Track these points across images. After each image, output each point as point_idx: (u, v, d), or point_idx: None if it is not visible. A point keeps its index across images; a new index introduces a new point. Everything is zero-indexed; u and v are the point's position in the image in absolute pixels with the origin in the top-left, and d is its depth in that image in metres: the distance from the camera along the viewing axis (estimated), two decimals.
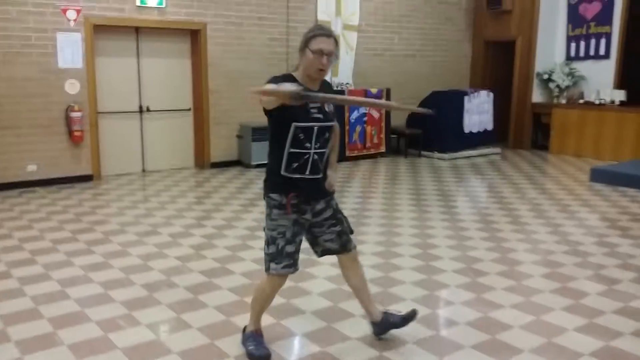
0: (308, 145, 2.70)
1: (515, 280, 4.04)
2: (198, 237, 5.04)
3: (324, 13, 9.16)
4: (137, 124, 8.05)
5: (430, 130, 9.49)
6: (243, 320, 3.35)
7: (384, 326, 3.11)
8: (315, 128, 2.70)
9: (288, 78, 2.66)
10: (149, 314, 3.47)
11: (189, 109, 8.45)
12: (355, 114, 9.15)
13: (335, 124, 2.84)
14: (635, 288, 3.90)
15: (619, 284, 3.98)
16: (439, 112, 9.47)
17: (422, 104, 9.92)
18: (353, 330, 3.26)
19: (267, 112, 2.65)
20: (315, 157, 2.74)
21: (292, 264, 2.81)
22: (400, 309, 3.50)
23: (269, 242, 2.80)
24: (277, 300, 3.65)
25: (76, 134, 7.23)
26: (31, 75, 6.96)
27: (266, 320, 3.37)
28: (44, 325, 3.30)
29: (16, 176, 6.97)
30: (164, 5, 7.71)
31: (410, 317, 3.11)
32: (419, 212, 5.95)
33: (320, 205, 2.86)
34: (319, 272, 4.19)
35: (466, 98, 9.70)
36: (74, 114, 7.18)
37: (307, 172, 2.74)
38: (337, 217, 2.94)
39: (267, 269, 2.82)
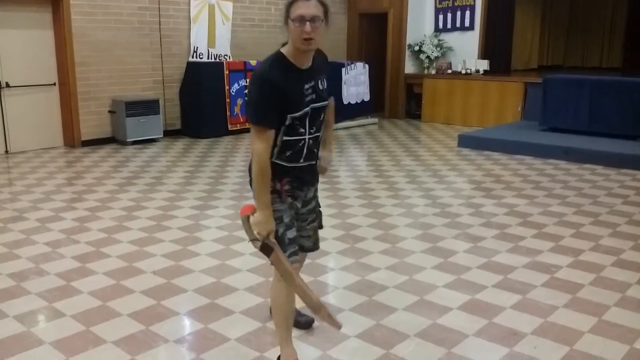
0: (302, 130, 2.42)
1: (391, 244, 4.25)
2: (69, 220, 4.76)
3: None
4: None
5: None
6: (120, 304, 3.25)
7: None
8: (309, 110, 2.40)
9: (277, 61, 2.35)
10: (17, 305, 3.25)
11: (54, 84, 7.87)
12: (235, 86, 9.03)
13: (330, 101, 2.56)
14: (497, 244, 4.25)
15: (483, 241, 4.31)
16: None
17: None
18: (237, 304, 3.27)
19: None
20: (311, 142, 2.47)
21: (297, 251, 2.53)
22: None
23: None
24: (157, 280, 3.58)
25: None
26: None
27: (145, 302, 3.29)
28: None
29: None
30: None
31: (304, 324, 2.98)
32: None
33: (310, 194, 2.64)
34: (202, 249, 4.14)
35: (343, 70, 9.90)
36: None
37: (302, 160, 2.48)
38: (317, 211, 2.73)
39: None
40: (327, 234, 4.43)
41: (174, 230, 4.54)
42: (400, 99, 11.16)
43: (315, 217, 2.72)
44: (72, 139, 7.93)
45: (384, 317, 3.11)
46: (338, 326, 2.54)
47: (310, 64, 2.42)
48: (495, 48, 10.66)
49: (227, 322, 3.04)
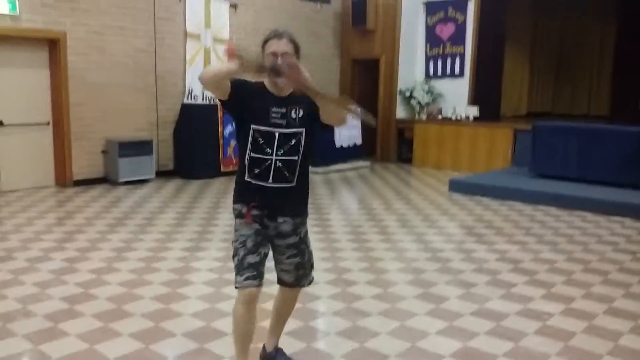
0: (269, 151, 2.57)
1: (383, 288, 4.23)
2: (58, 260, 4.71)
3: (193, 25, 9.03)
4: None
5: None
6: (107, 348, 3.20)
7: (269, 358, 3.01)
8: (277, 134, 2.58)
9: (257, 83, 2.62)
10: (2, 348, 3.18)
11: (48, 123, 7.89)
12: (229, 128, 9.09)
13: (303, 130, 2.62)
14: (490, 290, 4.24)
15: (475, 287, 4.30)
16: None
17: None
18: (226, 350, 3.22)
19: (224, 106, 2.61)
20: (279, 164, 2.59)
21: (256, 275, 2.58)
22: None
23: (233, 254, 2.64)
24: (146, 323, 3.53)
25: None
26: None
27: (133, 346, 3.24)
28: None
29: None
30: (17, 13, 7.17)
31: None
32: None
33: (286, 227, 2.69)
34: (192, 292, 4.10)
35: None
36: None
37: (270, 180, 2.60)
38: (300, 247, 2.77)
39: (235, 284, 2.63)
40: (319, 278, 4.40)
41: (163, 272, 4.49)
42: (392, 143, 11.28)
43: (297, 253, 2.75)
44: (64, 179, 7.91)
45: None
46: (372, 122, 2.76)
47: (286, 94, 2.61)
48: (485, 94, 10.86)
49: None
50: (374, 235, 5.71)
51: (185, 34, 8.93)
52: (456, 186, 8.10)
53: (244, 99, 2.59)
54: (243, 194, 2.67)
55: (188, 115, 8.81)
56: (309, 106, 2.60)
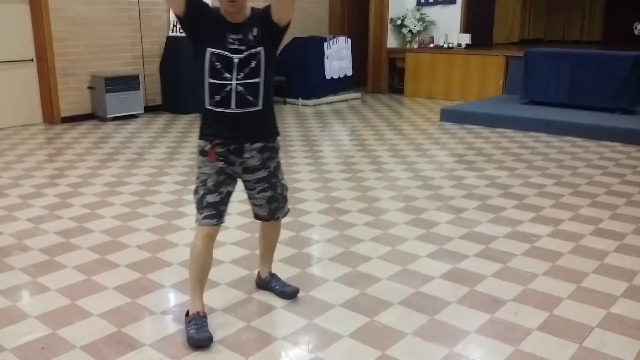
0: (228, 75, 2.49)
1: (374, 216, 4.29)
2: (51, 196, 4.72)
3: None
4: None
5: (294, 77, 9.56)
6: (104, 278, 3.26)
7: (263, 284, 3.08)
8: (235, 59, 2.49)
9: (216, 8, 2.55)
10: (1, 280, 3.23)
11: (32, 60, 7.72)
12: None
13: (261, 48, 2.53)
14: (479, 215, 4.30)
15: (464, 212, 4.37)
16: (301, 59, 9.60)
17: (284, 50, 9.90)
18: (222, 277, 3.29)
19: (180, 23, 2.52)
20: (240, 88, 2.51)
21: (215, 214, 2.57)
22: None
23: (194, 191, 2.64)
24: (142, 254, 3.58)
25: None
26: None
27: (130, 275, 3.30)
28: None
29: None
30: None
31: (288, 294, 3.01)
32: (285, 157, 5.99)
33: (253, 162, 2.63)
34: (186, 223, 4.14)
35: (326, 44, 9.83)
36: None
37: (233, 106, 2.52)
38: (271, 181, 2.73)
39: (195, 221, 2.64)
40: (311, 207, 4.46)
41: (157, 205, 4.52)
42: (383, 74, 11.14)
43: (268, 187, 2.73)
44: (52, 116, 7.81)
45: (368, 287, 3.16)
46: None
47: (241, 21, 2.52)
48: (477, 22, 10.65)
49: (212, 294, 3.05)
50: (365, 165, 5.73)
51: None
52: (447, 115, 8.07)
53: (200, 17, 2.52)
54: (207, 127, 2.61)
55: (174, 48, 8.60)
56: (264, 21, 2.54)
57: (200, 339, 2.57)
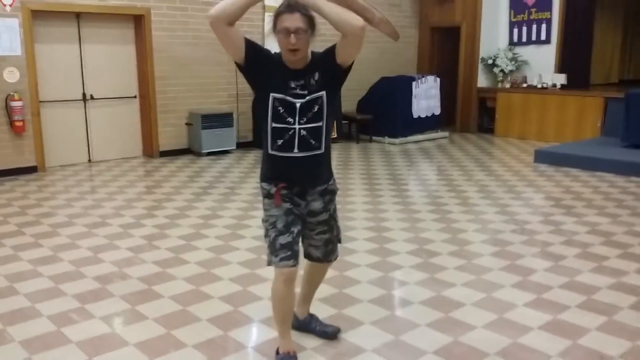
0: (290, 120, 2.49)
1: (466, 260, 4.15)
2: (150, 227, 4.94)
3: None
4: (81, 112, 7.80)
5: (381, 115, 9.61)
6: (199, 309, 3.34)
7: (302, 326, 3.02)
8: (297, 104, 2.49)
9: (277, 54, 2.54)
10: (102, 307, 3.39)
11: (135, 97, 8.24)
12: None
13: (323, 92, 2.52)
14: (580, 263, 4.07)
15: (564, 260, 4.15)
16: (388, 98, 9.65)
17: (372, 89, 10.01)
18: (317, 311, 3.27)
19: (240, 69, 2.53)
20: (303, 132, 2.50)
21: (290, 255, 2.55)
22: (355, 291, 3.58)
23: (265, 234, 2.62)
24: (234, 287, 3.65)
25: (17, 124, 6.94)
26: None
27: (223, 308, 3.36)
28: None
29: None
30: None
31: (330, 334, 2.98)
32: (372, 196, 6.02)
33: (316, 205, 2.64)
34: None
35: (414, 83, 9.83)
36: (14, 104, 6.89)
37: (296, 149, 2.51)
38: (330, 224, 2.74)
39: (269, 262, 2.62)
40: (400, 248, 4.39)
41: (248, 239, 4.62)
42: (473, 113, 10.95)
43: (326, 230, 2.73)
44: (151, 150, 8.25)
45: (462, 335, 3.04)
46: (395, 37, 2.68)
47: (302, 66, 2.51)
48: (573, 62, 10.29)
49: (302, 333, 3.04)
50: (455, 207, 5.60)
51: (264, 7, 8.98)
52: (542, 157, 7.78)
53: (261, 63, 2.51)
54: (270, 170, 2.60)
55: None
56: (326, 63, 2.51)
57: None
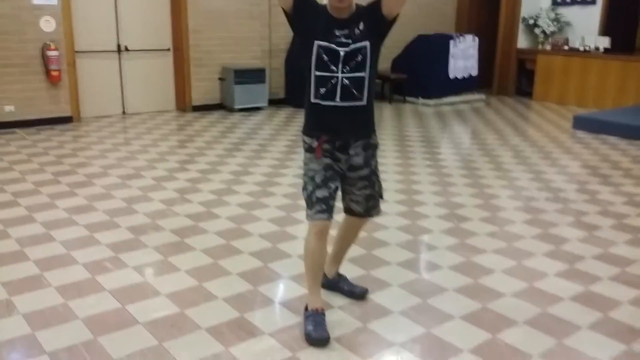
0: (334, 68, 2.50)
1: (498, 226, 4.11)
2: (182, 180, 5.00)
3: None
4: (115, 64, 7.83)
5: (415, 75, 9.43)
6: (230, 263, 3.39)
7: (331, 285, 3.04)
8: (342, 52, 2.49)
9: (321, 5, 2.57)
10: (136, 257, 3.47)
11: (169, 49, 8.23)
12: None
13: (367, 42, 2.51)
14: (615, 234, 3.99)
15: (598, 230, 4.07)
16: (425, 57, 9.43)
17: (407, 48, 9.79)
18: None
19: (288, 19, 2.56)
20: (346, 81, 2.51)
21: (325, 209, 2.57)
22: (383, 253, 3.58)
23: (303, 187, 2.65)
24: (264, 243, 3.68)
25: (53, 73, 7.02)
26: (3, 12, 6.67)
27: (253, 263, 3.40)
28: (30, 267, 3.29)
29: None
30: None
31: (359, 294, 3.01)
32: (404, 158, 5.97)
33: (358, 160, 2.65)
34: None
35: (452, 42, 9.58)
36: (51, 53, 6.95)
37: (338, 98, 2.52)
38: (372, 179, 2.73)
39: (306, 217, 2.65)
40: (430, 212, 4.36)
41: (278, 196, 4.64)
42: (511, 75, 10.67)
43: (368, 184, 2.73)
44: (184, 104, 8.28)
45: (491, 301, 3.02)
46: None
47: (347, 15, 2.52)
48: (618, 24, 9.87)
49: (330, 292, 3.07)
50: (488, 172, 5.51)
51: None
52: (581, 123, 7.57)
53: (307, 11, 2.53)
54: (312, 122, 2.62)
55: None
56: (370, 15, 2.52)
57: (317, 339, 2.59)
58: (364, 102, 2.57)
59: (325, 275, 3.01)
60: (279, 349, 2.56)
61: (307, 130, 2.65)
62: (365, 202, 2.78)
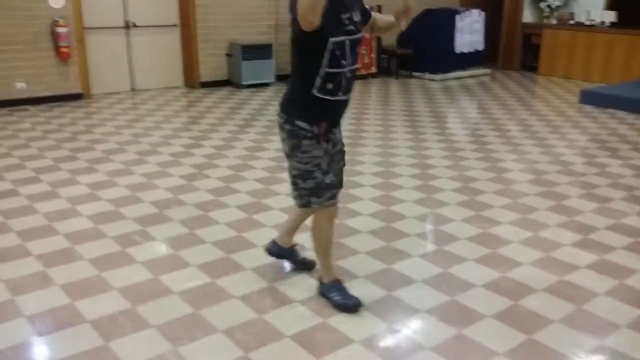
0: (344, 62, 2.49)
1: (512, 199, 4.20)
2: (198, 157, 5.07)
3: None
4: (123, 40, 7.83)
5: (422, 50, 9.43)
6: (254, 236, 3.48)
7: (285, 254, 3.09)
8: (348, 42, 2.48)
9: None
10: (162, 230, 3.56)
11: (176, 25, 8.22)
12: None
13: (361, 35, 2.59)
14: (626, 206, 4.09)
15: (610, 202, 4.16)
16: (430, 32, 9.42)
17: (413, 22, 9.75)
18: (360, 246, 3.40)
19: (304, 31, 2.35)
20: (349, 75, 2.55)
21: (335, 194, 2.65)
22: (402, 226, 3.68)
23: (305, 176, 2.57)
24: (284, 217, 3.77)
25: (63, 50, 7.03)
26: None
27: (273, 233, 3.49)
28: (61, 240, 3.39)
29: (5, 94, 6.82)
30: None
31: (309, 265, 3.09)
32: (414, 133, 6.03)
33: (339, 136, 2.75)
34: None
35: (458, 17, 9.56)
36: (60, 29, 6.96)
37: (341, 93, 2.55)
38: (343, 151, 2.83)
39: (307, 204, 2.64)
40: (445, 185, 4.45)
41: None
42: (516, 50, 10.67)
43: (341, 156, 2.82)
44: (192, 80, 8.30)
45: (509, 271, 3.13)
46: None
47: None
48: None
49: (352, 261, 3.17)
50: (499, 146, 5.59)
51: None
52: (588, 97, 7.62)
53: (325, 15, 2.32)
54: (311, 111, 2.54)
55: None
56: (363, 12, 2.61)
57: (353, 305, 2.72)
58: (351, 93, 2.66)
59: (278, 244, 3.07)
60: (310, 316, 2.67)
61: (304, 116, 2.55)
62: (341, 173, 2.84)
